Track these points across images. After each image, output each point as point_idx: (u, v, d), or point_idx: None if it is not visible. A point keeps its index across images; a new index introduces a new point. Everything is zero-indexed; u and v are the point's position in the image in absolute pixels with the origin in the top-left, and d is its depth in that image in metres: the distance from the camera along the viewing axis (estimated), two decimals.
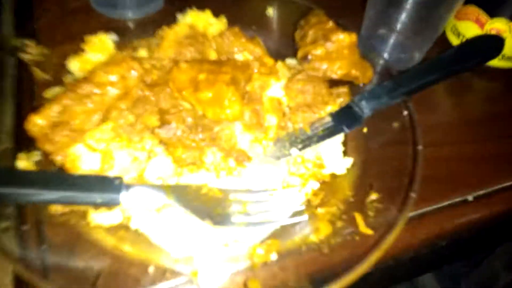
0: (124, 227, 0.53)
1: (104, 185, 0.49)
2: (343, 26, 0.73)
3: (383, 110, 0.63)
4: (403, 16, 0.82)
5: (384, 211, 0.52)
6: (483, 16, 0.81)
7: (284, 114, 0.63)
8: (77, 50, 0.67)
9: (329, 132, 0.62)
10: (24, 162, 0.53)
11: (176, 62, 0.62)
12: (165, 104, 0.60)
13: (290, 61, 0.74)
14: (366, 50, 0.72)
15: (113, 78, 0.57)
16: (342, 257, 0.50)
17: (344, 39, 0.67)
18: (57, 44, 0.70)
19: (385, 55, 0.86)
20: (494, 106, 0.81)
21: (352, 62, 0.68)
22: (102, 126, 0.55)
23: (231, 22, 0.79)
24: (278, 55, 0.79)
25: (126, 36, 0.76)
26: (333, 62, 0.67)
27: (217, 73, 0.57)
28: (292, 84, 0.65)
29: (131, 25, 0.83)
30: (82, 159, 0.52)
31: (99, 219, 0.52)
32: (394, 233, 0.48)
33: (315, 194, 0.60)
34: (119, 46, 0.71)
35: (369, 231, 0.50)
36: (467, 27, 0.84)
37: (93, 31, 0.76)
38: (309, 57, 0.67)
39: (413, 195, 0.52)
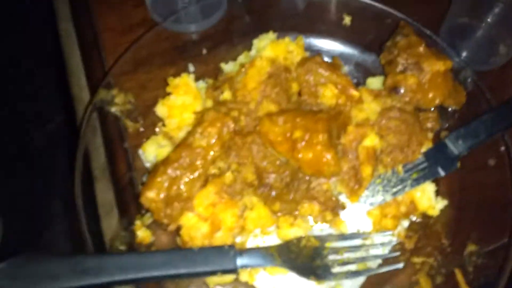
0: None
1: (221, 257, 0.54)
2: (435, 43, 0.68)
3: None
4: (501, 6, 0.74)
5: (484, 268, 0.54)
6: None
7: (376, 157, 0.63)
8: (163, 93, 0.67)
9: (424, 175, 0.62)
10: (142, 231, 0.57)
11: (266, 113, 0.61)
12: (258, 156, 0.61)
13: (373, 81, 0.71)
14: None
15: (211, 140, 0.58)
16: None
17: (439, 68, 0.63)
18: (130, 75, 0.70)
19: (464, 54, 0.80)
20: None
21: (447, 91, 0.65)
22: (206, 191, 0.57)
23: (304, 31, 0.75)
24: (360, 70, 0.76)
25: (198, 58, 0.75)
26: (426, 93, 0.64)
27: (312, 131, 0.57)
28: (383, 123, 0.63)
29: (197, 37, 0.80)
30: (194, 227, 0.56)
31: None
32: None
33: (408, 236, 0.62)
34: (198, 76, 0.71)
35: None
36: None
37: (164, 53, 0.75)
38: (401, 90, 0.64)
39: None
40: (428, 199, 0.62)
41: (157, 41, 0.74)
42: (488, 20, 0.77)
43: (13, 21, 2.25)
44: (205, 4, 0.78)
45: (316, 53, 0.69)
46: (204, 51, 0.75)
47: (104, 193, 0.66)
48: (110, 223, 0.63)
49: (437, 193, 0.63)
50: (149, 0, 0.82)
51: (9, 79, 2.32)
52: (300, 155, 0.57)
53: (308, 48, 0.75)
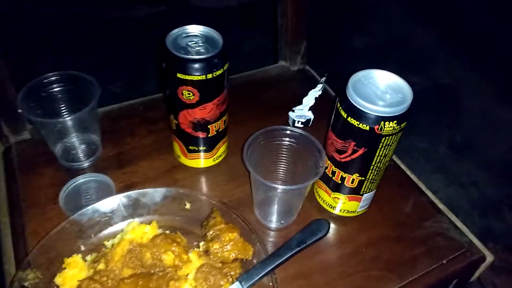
0: None
1: None
2: (231, 220, 1.13)
3: None
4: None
5: None
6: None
7: None
8: (61, 268, 1.04)
9: None
10: None
11: (122, 278, 1.00)
12: None
13: (202, 245, 1.12)
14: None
15: None
16: None
17: (230, 237, 1.06)
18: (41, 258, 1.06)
19: (274, 217, 1.26)
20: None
21: (238, 249, 1.07)
22: None
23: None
24: (193, 238, 1.17)
25: (90, 239, 1.14)
26: (224, 252, 1.05)
27: None
28: (199, 275, 1.03)
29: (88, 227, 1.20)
30: None
31: None
32: None
33: None
34: (85, 253, 1.09)
35: None
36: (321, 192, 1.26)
37: (68, 237, 1.13)
38: (209, 251, 1.06)
39: None
40: None
41: (63, 229, 1.14)
42: (277, 197, 1.25)
43: None
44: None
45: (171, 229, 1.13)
46: (93, 235, 1.15)
47: None
48: None
49: None
50: (61, 202, 1.24)
51: None
52: None
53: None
